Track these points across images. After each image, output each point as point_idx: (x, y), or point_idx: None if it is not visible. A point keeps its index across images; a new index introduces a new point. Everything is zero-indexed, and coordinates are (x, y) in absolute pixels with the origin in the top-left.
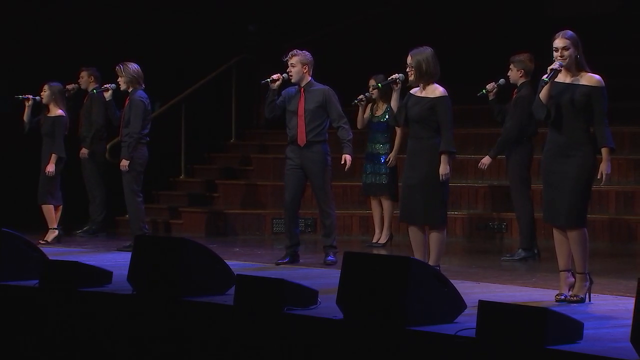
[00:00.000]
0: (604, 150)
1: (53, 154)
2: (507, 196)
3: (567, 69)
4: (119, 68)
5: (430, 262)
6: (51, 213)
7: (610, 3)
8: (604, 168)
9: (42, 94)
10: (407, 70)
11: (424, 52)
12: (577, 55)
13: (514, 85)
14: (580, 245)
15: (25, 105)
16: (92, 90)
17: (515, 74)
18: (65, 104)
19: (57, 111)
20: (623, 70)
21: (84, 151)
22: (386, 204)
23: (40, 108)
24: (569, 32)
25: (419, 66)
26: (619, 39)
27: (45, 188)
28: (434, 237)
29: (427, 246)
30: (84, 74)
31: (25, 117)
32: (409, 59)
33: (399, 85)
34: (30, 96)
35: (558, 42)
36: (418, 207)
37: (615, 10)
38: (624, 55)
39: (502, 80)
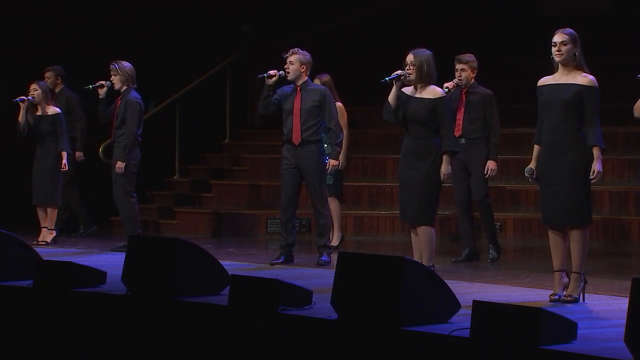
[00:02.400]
0: (594, 150)
1: (64, 152)
2: (501, 196)
3: (563, 66)
4: (114, 67)
5: (424, 262)
6: (55, 214)
7: (603, 3)
8: (595, 166)
9: (33, 92)
10: (407, 68)
11: (425, 54)
12: (575, 53)
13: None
14: (581, 245)
15: (20, 107)
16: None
17: (469, 74)
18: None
19: (53, 109)
20: (616, 70)
21: (79, 154)
22: (334, 204)
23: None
24: (570, 29)
25: (421, 66)
26: (612, 38)
27: (53, 188)
28: (426, 235)
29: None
30: (49, 74)
31: (21, 119)
32: (411, 58)
33: (400, 82)
34: (26, 98)
35: (557, 37)
36: (414, 207)
37: (608, 9)
38: (617, 55)
39: (456, 80)
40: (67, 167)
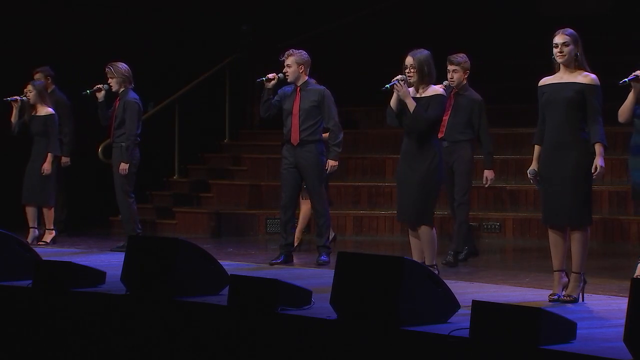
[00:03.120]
0: (596, 146)
1: (49, 154)
2: (500, 196)
3: (565, 66)
4: (109, 69)
5: (427, 262)
6: (52, 214)
7: (603, 3)
8: (598, 162)
9: (28, 94)
10: (407, 71)
11: (424, 54)
12: (576, 53)
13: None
14: (581, 245)
15: (12, 107)
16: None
17: (461, 76)
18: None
19: (46, 109)
20: (616, 70)
21: (66, 160)
22: (305, 206)
23: (24, 108)
24: (570, 30)
25: (421, 68)
26: (612, 38)
27: (46, 189)
28: (427, 236)
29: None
30: (39, 75)
31: (13, 119)
32: (410, 61)
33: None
34: (18, 97)
35: (558, 39)
36: (413, 208)
37: (608, 9)
38: (617, 55)
39: (446, 82)
40: (47, 171)
